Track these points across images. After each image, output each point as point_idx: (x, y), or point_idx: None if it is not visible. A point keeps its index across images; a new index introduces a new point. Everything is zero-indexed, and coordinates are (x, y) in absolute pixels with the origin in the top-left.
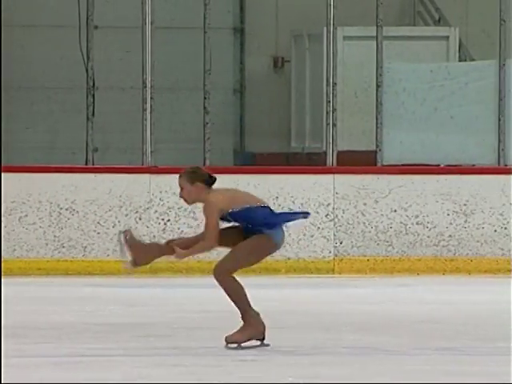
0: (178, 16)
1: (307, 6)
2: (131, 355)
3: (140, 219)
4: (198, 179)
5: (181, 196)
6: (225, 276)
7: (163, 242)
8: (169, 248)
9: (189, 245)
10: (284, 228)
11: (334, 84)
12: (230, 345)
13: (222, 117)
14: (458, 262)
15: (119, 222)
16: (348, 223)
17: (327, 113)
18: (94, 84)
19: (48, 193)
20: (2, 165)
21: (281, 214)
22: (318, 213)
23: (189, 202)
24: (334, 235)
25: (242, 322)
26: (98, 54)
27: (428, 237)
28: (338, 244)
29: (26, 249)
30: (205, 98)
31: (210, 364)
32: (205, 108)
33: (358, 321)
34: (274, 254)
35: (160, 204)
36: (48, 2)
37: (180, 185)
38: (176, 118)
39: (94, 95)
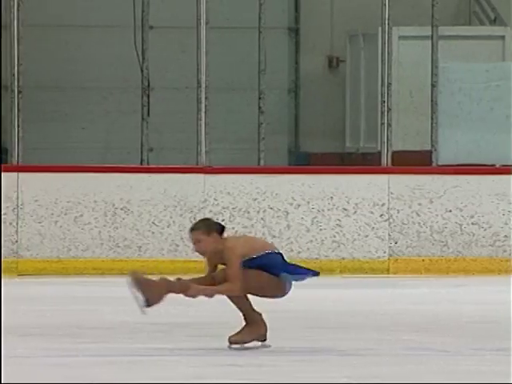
0: (233, 16)
1: (362, 5)
2: (187, 355)
3: (194, 219)
4: (214, 229)
5: (197, 250)
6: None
7: (173, 278)
8: (180, 285)
9: (201, 283)
10: (293, 281)
11: (389, 84)
12: (233, 345)
13: (276, 117)
14: None
15: (174, 221)
16: (403, 223)
17: (382, 113)
18: (149, 84)
19: (103, 192)
20: (59, 164)
21: (293, 267)
22: (372, 213)
23: (207, 254)
24: (389, 235)
25: (244, 323)
26: (153, 54)
27: (483, 237)
28: (393, 244)
29: (82, 248)
30: (259, 98)
31: (265, 364)
32: (259, 108)
33: (413, 321)
34: (328, 255)
35: (214, 204)
36: (103, 3)
37: (194, 239)
38: (230, 118)
39: (148, 95)
